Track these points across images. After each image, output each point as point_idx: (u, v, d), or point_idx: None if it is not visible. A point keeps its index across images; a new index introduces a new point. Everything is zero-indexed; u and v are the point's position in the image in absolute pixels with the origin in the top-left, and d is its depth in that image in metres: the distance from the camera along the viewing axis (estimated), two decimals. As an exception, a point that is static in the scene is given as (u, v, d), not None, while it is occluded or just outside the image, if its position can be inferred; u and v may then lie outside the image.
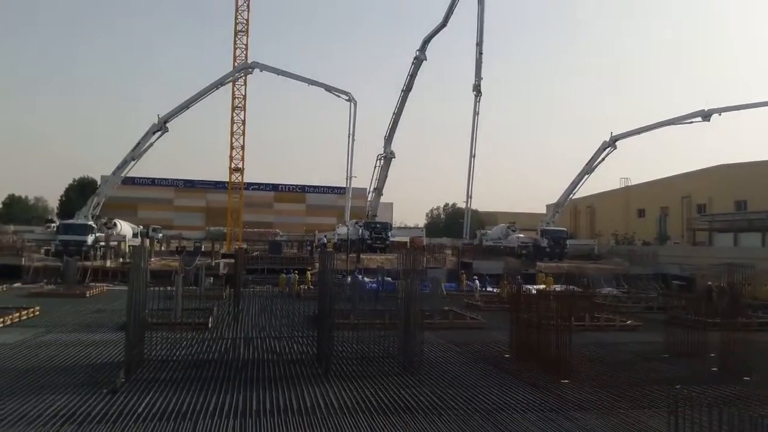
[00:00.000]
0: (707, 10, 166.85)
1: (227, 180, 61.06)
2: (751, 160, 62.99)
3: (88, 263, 40.29)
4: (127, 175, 51.48)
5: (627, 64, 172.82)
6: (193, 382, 13.22)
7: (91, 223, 45.78)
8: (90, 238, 44.11)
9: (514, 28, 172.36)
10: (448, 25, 54.98)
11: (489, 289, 36.40)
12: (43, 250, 44.88)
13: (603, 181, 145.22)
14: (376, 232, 55.01)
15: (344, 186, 61.60)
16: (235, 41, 57.81)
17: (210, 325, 20.99)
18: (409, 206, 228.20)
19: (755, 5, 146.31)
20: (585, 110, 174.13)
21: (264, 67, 52.43)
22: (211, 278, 35.90)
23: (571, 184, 55.39)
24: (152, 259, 40.79)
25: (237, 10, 58.11)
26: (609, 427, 10.70)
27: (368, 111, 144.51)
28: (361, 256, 46.70)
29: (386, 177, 57.28)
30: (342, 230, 59.08)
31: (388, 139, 56.73)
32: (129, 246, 47.45)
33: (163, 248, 59.72)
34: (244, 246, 55.75)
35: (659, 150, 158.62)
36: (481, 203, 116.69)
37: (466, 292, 34.93)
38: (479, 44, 53.77)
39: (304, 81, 53.75)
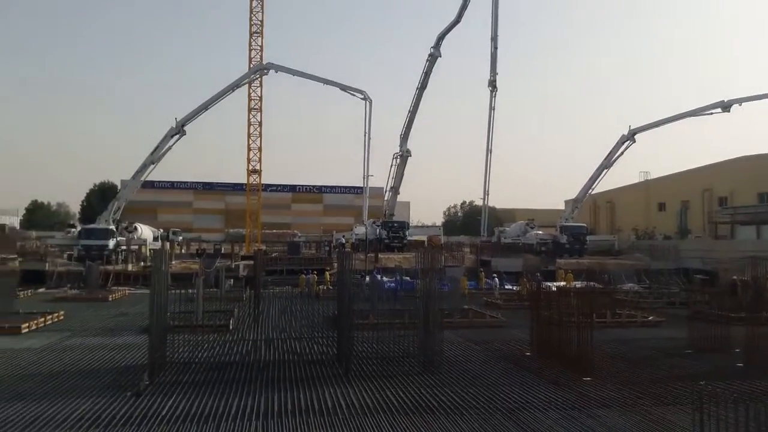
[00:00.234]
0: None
1: (245, 182, 61.46)
2: (774, 151, 62.02)
3: (110, 267, 40.77)
4: (147, 179, 51.96)
5: (645, 57, 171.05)
6: (215, 384, 13.33)
7: (112, 227, 46.28)
8: (111, 243, 44.61)
9: (530, 22, 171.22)
10: (461, 21, 54.79)
11: (507, 286, 36.24)
12: (66, 255, 45.49)
13: (622, 175, 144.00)
14: (393, 232, 54.98)
15: (361, 185, 61.55)
16: (250, 43, 58.19)
17: (231, 327, 21.15)
18: (427, 205, 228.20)
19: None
20: (603, 104, 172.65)
21: (279, 68, 52.60)
22: (231, 280, 36.17)
23: (590, 179, 54.91)
24: (173, 262, 41.15)
25: (251, 12, 58.47)
26: (632, 425, 10.60)
27: (384, 109, 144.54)
28: (379, 255, 46.72)
29: (403, 176, 57.22)
30: (360, 230, 59.12)
31: (404, 137, 56.63)
32: (150, 249, 47.94)
33: (183, 251, 60.24)
34: (263, 247, 56.03)
35: (679, 143, 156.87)
36: (499, 200, 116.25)
37: (485, 290, 34.80)
38: (494, 39, 53.50)
39: (319, 81, 53.84)
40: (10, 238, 53.46)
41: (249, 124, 58.28)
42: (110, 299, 30.67)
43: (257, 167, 59.09)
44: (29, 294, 32.34)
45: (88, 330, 21.16)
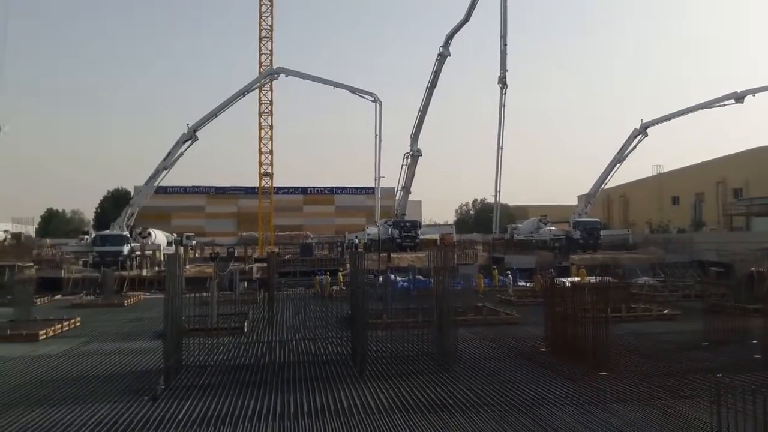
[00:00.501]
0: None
1: (257, 185, 61.75)
2: (789, 140, 61.33)
3: (124, 273, 41.08)
4: (160, 185, 52.37)
5: (657, 49, 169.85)
6: (231, 386, 13.39)
7: (126, 233, 46.67)
8: (126, 248, 44.98)
9: (539, 17, 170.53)
10: (470, 20, 54.75)
11: (521, 283, 36.11)
12: (81, 262, 45.89)
13: (635, 169, 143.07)
14: (405, 231, 55.01)
15: (372, 186, 61.72)
16: (260, 47, 58.61)
17: (246, 330, 21.23)
18: (438, 203, 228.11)
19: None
20: (615, 98, 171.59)
21: (289, 72, 52.87)
22: (245, 283, 36.31)
23: (603, 173, 54.69)
24: (187, 267, 41.41)
25: (261, 17, 58.78)
26: (650, 419, 10.53)
27: (394, 109, 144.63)
28: (392, 255, 46.72)
29: (414, 175, 57.29)
30: (372, 230, 59.20)
31: (415, 136, 56.69)
32: (164, 254, 48.29)
33: (197, 255, 60.59)
34: (276, 250, 56.25)
35: (692, 135, 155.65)
36: (512, 197, 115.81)
37: (499, 288, 34.70)
38: (503, 36, 53.50)
39: (329, 84, 54.06)
40: (26, 246, 54.11)
41: (260, 128, 58.66)
42: (125, 305, 30.89)
43: (269, 170, 59.44)
44: (46, 301, 32.64)
45: (105, 335, 21.33)
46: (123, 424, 10.70)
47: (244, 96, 50.79)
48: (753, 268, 29.12)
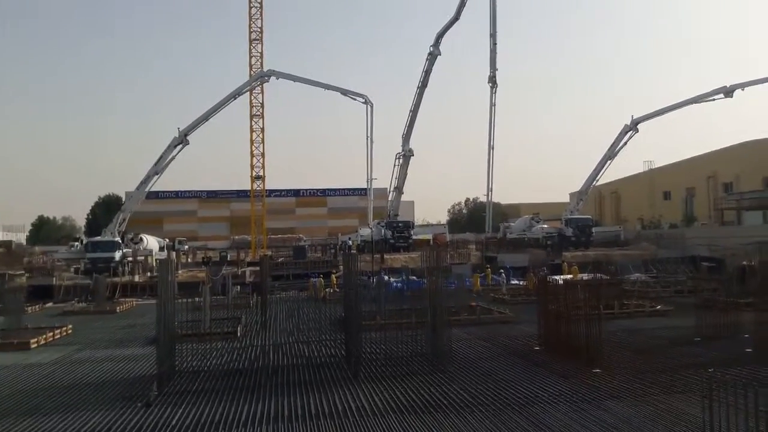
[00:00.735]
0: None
1: (249, 188, 61.60)
2: (778, 134, 61.73)
3: (117, 279, 40.86)
4: (151, 190, 52.13)
5: (646, 45, 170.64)
6: (224, 391, 13.34)
7: (117, 239, 46.44)
8: (117, 255, 44.75)
9: (529, 15, 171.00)
10: (460, 18, 54.77)
11: (514, 281, 36.19)
12: (72, 269, 45.63)
13: (626, 165, 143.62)
14: (398, 231, 54.98)
15: (364, 187, 61.74)
16: (250, 50, 58.44)
17: (239, 334, 21.17)
18: (431, 203, 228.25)
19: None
20: (605, 95, 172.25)
21: (280, 75, 52.76)
22: (238, 287, 36.23)
23: (594, 170, 54.86)
24: (179, 272, 41.27)
25: (250, 19, 58.63)
26: (643, 415, 10.57)
27: (386, 110, 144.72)
28: (385, 256, 46.70)
29: (406, 175, 57.25)
30: (365, 231, 59.15)
31: (406, 137, 56.65)
32: (156, 260, 48.08)
33: (189, 260, 60.39)
34: (269, 253, 56.12)
35: (682, 131, 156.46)
36: (504, 196, 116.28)
37: (493, 286, 34.76)
38: (493, 35, 53.54)
39: (320, 86, 54.03)
40: (17, 253, 53.77)
41: (251, 131, 58.52)
42: (118, 311, 30.73)
43: (261, 173, 59.28)
44: (37, 309, 32.42)
45: (97, 343, 21.21)
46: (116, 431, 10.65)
47: (235, 99, 50.67)
48: (744, 262, 29.31)
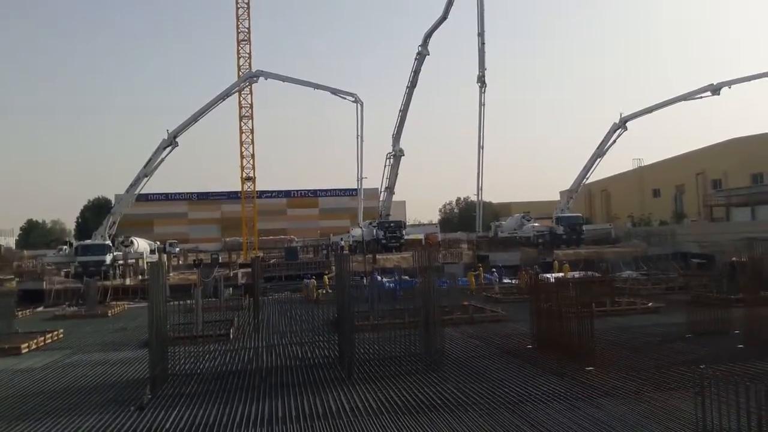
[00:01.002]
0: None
1: (240, 190, 61.40)
2: (765, 132, 62.21)
3: (107, 283, 40.61)
4: (141, 192, 51.83)
5: (635, 43, 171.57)
6: (218, 393, 13.31)
7: (108, 242, 46.15)
8: (108, 258, 44.49)
9: (516, 14, 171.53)
10: (448, 17, 54.79)
11: (506, 280, 36.29)
12: (63, 273, 45.33)
13: (616, 163, 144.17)
14: (390, 232, 55.02)
15: (356, 187, 61.60)
16: (238, 51, 58.13)
17: (231, 336, 21.10)
18: (422, 203, 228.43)
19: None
20: (594, 93, 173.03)
21: (269, 75, 52.58)
22: (230, 289, 36.09)
23: (584, 168, 55.05)
24: (170, 274, 41.09)
25: (238, 20, 58.40)
26: (636, 412, 10.62)
27: (376, 110, 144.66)
28: (377, 256, 46.69)
29: (397, 175, 57.24)
30: (356, 232, 59.11)
31: (396, 136, 56.66)
32: (147, 263, 47.83)
33: (180, 262, 60.15)
34: (261, 254, 55.97)
35: (670, 128, 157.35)
36: (495, 195, 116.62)
37: (485, 285, 34.83)
38: (481, 35, 53.53)
39: (309, 86, 53.87)
40: (7, 258, 53.35)
41: (241, 132, 58.26)
42: (109, 314, 30.53)
43: (251, 174, 59.03)
44: (28, 313, 32.18)
45: (89, 347, 21.09)
46: (109, 436, 10.59)
47: (223, 100, 50.42)
48: (734, 259, 29.51)
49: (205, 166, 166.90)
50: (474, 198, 64.78)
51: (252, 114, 58.30)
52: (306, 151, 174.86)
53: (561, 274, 30.96)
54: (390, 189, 57.82)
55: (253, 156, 58.63)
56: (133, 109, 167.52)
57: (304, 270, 42.61)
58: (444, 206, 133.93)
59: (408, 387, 13.10)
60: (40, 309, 34.72)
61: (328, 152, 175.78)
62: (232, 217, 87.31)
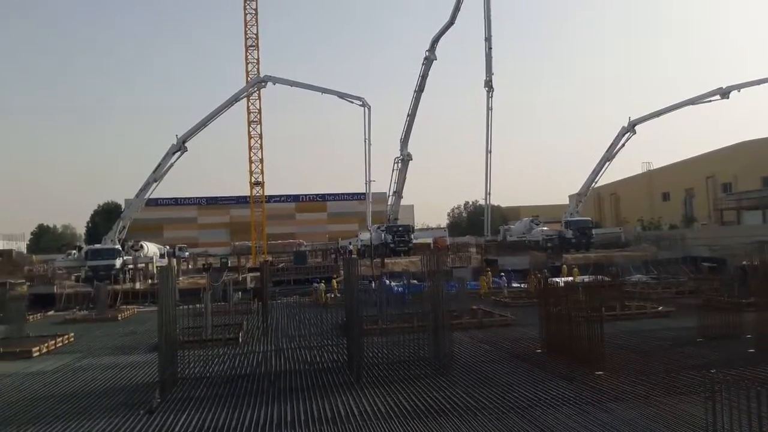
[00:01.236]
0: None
1: (249, 194, 61.59)
2: (775, 134, 61.74)
3: (117, 287, 40.85)
4: (151, 197, 52.10)
5: (643, 47, 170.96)
6: (227, 397, 13.34)
7: (117, 246, 46.42)
8: (118, 262, 44.75)
9: (524, 18, 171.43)
10: (455, 23, 54.79)
11: (515, 284, 36.19)
12: (73, 277, 45.61)
13: (625, 167, 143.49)
14: (398, 236, 54.97)
15: (364, 192, 61.60)
16: (246, 56, 58.38)
17: (240, 340, 21.15)
18: (431, 207, 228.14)
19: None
20: (602, 97, 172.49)
21: (276, 80, 52.75)
22: (239, 293, 36.21)
23: (593, 172, 54.86)
24: (180, 278, 41.26)
25: (246, 26, 58.70)
26: (647, 417, 10.56)
27: (383, 114, 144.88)
28: (386, 260, 46.66)
29: (405, 179, 57.22)
30: (365, 236, 59.12)
31: (404, 141, 56.67)
32: (156, 267, 48.03)
33: (190, 266, 60.36)
34: (269, 258, 56.09)
35: (679, 132, 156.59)
36: (503, 198, 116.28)
37: (494, 289, 34.75)
38: (488, 39, 53.40)
39: (317, 90, 53.98)
40: (18, 262, 53.73)
41: (249, 137, 58.50)
42: (119, 318, 30.71)
43: (260, 179, 59.22)
44: (39, 317, 32.40)
45: (99, 350, 21.21)
46: (119, 440, 10.64)
47: (232, 105, 50.64)
48: (745, 262, 29.31)
49: (214, 171, 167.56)
50: (482, 202, 64.72)
51: (260, 119, 58.58)
52: (314, 155, 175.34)
53: (570, 278, 30.87)
54: (398, 193, 57.80)
55: (261, 161, 58.86)
56: (143, 115, 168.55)
57: (312, 274, 42.68)
58: (452, 210, 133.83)
59: (417, 391, 13.08)
60: (51, 313, 34.97)
61: (336, 156, 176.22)
62: (241, 222, 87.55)
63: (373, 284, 30.26)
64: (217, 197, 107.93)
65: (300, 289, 37.88)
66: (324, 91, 53.94)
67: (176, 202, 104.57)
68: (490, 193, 56.21)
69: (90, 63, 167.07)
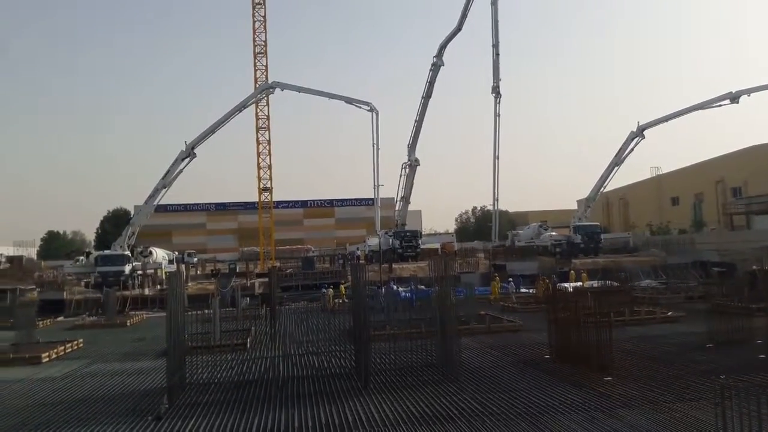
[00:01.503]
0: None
1: (257, 200, 61.78)
2: (786, 138, 61.37)
3: (126, 293, 41.01)
4: (160, 203, 52.33)
5: (651, 52, 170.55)
6: (235, 403, 13.35)
7: (127, 252, 46.63)
8: (127, 268, 44.96)
9: (531, 23, 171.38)
10: (463, 29, 54.82)
11: (523, 290, 36.07)
12: (83, 283, 45.84)
13: (634, 172, 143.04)
14: (406, 241, 54.92)
15: (371, 197, 61.66)
16: (254, 63, 58.71)
17: (248, 346, 21.18)
18: (438, 212, 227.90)
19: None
20: (610, 102, 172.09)
21: (284, 86, 52.96)
22: (248, 298, 36.27)
23: (601, 177, 54.65)
24: (189, 284, 41.36)
25: (254, 33, 59.05)
26: (656, 423, 10.49)
27: (392, 119, 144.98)
28: (393, 265, 46.64)
29: (413, 185, 57.21)
30: (372, 241, 59.11)
31: (412, 146, 56.68)
32: (165, 273, 48.21)
33: (198, 272, 60.55)
34: (278, 264, 56.18)
35: (689, 137, 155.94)
36: (511, 203, 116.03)
37: (501, 295, 34.66)
38: (495, 46, 53.32)
39: (324, 96, 54.16)
40: (28, 268, 54.09)
41: (258, 143, 58.78)
42: (128, 324, 30.82)
43: (268, 185, 59.45)
44: (48, 323, 32.57)
45: (108, 356, 21.28)
46: (127, 446, 10.66)
47: (240, 111, 50.84)
48: (755, 267, 29.11)
49: (222, 177, 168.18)
50: (490, 207, 64.53)
51: (269, 125, 58.85)
52: (322, 160, 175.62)
53: (579, 284, 30.74)
54: (406, 198, 57.77)
55: (270, 167, 59.09)
56: (152, 121, 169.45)
57: (320, 280, 42.74)
58: (460, 215, 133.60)
59: (424, 397, 13.04)
60: (61, 319, 35.14)
61: (344, 162, 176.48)
62: (249, 228, 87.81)
63: (381, 290, 30.28)
64: (225, 203, 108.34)
65: (308, 294, 37.90)
66: (332, 96, 54.12)
67: (185, 208, 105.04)
68: (498, 199, 56.04)
69: (99, 70, 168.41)
